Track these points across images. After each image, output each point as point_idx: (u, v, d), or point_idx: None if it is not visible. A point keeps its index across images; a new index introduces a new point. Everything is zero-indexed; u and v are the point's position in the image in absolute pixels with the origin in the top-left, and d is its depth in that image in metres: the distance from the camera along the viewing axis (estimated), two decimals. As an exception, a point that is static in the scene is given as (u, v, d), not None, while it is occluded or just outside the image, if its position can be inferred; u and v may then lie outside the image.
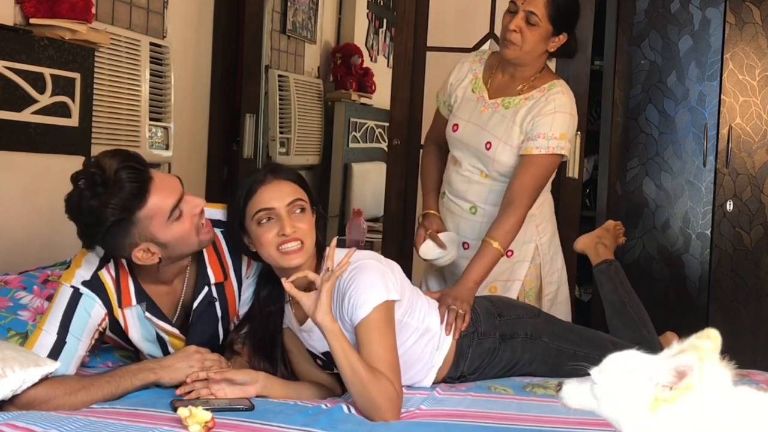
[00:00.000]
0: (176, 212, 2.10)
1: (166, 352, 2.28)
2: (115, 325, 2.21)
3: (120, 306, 2.19)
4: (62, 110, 2.95)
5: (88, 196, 2.02)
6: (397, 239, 3.96)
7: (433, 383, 2.36)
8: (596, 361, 2.55)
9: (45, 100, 2.87)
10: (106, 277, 2.18)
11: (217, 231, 2.27)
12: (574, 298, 3.87)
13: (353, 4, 6.03)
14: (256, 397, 2.11)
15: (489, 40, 3.89)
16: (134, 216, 2.04)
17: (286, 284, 2.06)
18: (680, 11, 3.84)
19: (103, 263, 2.19)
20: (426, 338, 2.33)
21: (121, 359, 2.44)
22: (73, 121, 3.00)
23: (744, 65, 3.80)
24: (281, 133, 4.95)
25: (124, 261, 2.17)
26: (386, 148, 4.36)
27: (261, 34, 4.34)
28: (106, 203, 2.00)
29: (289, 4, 5.07)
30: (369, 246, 4.69)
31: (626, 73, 3.89)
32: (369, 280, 2.11)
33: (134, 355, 2.38)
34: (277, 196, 2.14)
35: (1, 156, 2.69)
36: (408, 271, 3.61)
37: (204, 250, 2.25)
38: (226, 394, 2.08)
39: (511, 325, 2.46)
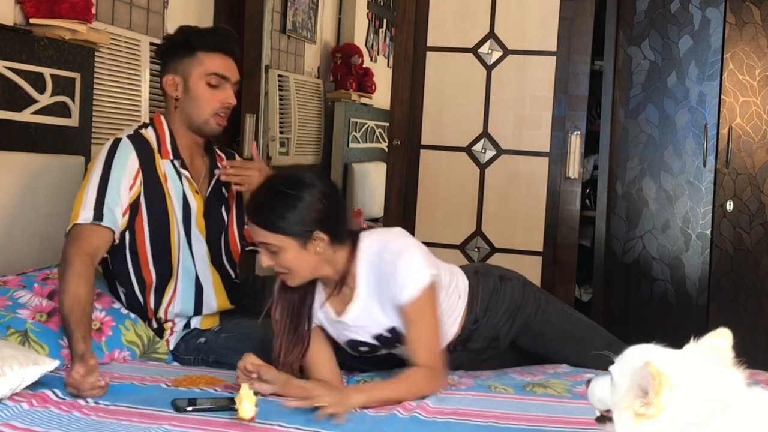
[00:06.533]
0: (215, 80, 2.58)
1: (188, 220, 2.58)
2: (151, 180, 2.53)
3: (161, 155, 2.57)
4: (62, 110, 2.95)
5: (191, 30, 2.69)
6: (397, 239, 3.96)
7: (456, 336, 2.43)
8: (582, 323, 2.64)
9: (45, 100, 2.87)
10: (147, 133, 2.60)
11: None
12: (574, 298, 3.88)
13: (353, 4, 6.03)
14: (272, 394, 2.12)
15: (489, 40, 3.89)
16: (195, 50, 2.57)
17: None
18: (680, 11, 3.84)
19: (140, 127, 2.62)
20: (450, 290, 2.39)
21: (129, 347, 2.48)
22: (73, 121, 3.00)
23: (744, 65, 3.80)
24: (281, 133, 4.95)
25: (163, 121, 2.62)
26: (386, 148, 4.36)
27: (261, 34, 4.34)
28: (196, 30, 2.67)
29: (289, 4, 5.07)
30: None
31: (626, 73, 3.90)
32: (413, 262, 2.15)
33: (140, 341, 2.49)
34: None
35: (1, 156, 2.68)
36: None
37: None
38: (253, 385, 2.09)
39: (504, 271, 2.61)
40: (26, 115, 2.80)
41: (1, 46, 2.69)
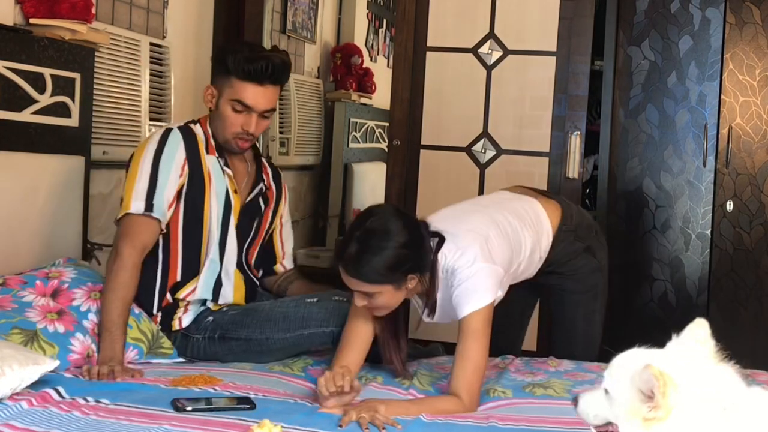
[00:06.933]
0: (240, 106, 2.58)
1: (227, 217, 2.64)
2: (195, 173, 2.59)
3: (207, 152, 2.63)
4: (62, 110, 2.94)
5: (246, 48, 2.66)
6: (397, 239, 3.96)
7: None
8: (596, 333, 2.75)
9: (45, 100, 2.86)
10: (196, 129, 2.66)
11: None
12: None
13: (353, 4, 6.02)
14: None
15: (489, 40, 3.89)
16: (230, 73, 2.57)
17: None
18: (680, 11, 3.84)
19: (190, 122, 2.69)
20: (535, 257, 2.55)
21: (136, 344, 2.50)
22: (73, 121, 2.99)
23: (744, 65, 3.80)
24: (281, 133, 4.95)
25: (207, 123, 2.68)
26: (386, 148, 4.36)
27: (261, 34, 4.34)
28: (238, 52, 2.59)
29: (289, 4, 5.06)
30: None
31: (626, 73, 3.89)
32: (482, 286, 2.23)
33: (144, 337, 2.51)
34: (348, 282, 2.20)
35: (1, 156, 2.68)
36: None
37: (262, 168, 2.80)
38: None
39: (598, 243, 2.75)
40: (26, 115, 2.80)
41: (1, 46, 2.69)
